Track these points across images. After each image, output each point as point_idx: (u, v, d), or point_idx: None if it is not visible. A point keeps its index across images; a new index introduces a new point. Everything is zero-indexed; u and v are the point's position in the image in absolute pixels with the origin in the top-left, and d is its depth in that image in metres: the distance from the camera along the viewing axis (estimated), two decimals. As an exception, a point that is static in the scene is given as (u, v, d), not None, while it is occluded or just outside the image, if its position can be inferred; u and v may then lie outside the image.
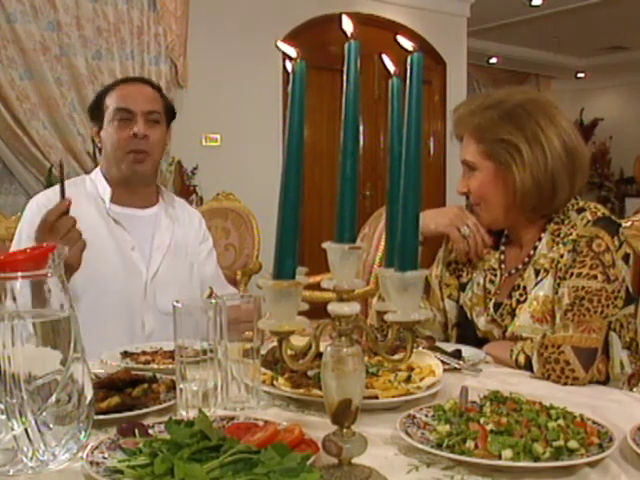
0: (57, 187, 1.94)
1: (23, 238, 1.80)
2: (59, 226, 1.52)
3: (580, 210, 1.48)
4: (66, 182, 1.97)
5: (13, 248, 1.82)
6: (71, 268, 1.56)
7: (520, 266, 1.54)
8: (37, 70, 4.32)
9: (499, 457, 0.88)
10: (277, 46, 0.79)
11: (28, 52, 4.29)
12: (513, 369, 1.40)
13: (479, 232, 1.57)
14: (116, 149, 1.84)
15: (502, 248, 1.61)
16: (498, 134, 1.48)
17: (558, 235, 1.48)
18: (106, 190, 1.88)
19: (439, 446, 0.92)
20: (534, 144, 1.46)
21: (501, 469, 0.88)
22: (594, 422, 0.99)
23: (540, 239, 1.52)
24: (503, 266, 1.59)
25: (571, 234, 1.45)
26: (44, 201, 1.83)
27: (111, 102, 1.86)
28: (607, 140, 10.56)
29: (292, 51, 0.78)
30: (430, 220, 1.59)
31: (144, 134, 1.82)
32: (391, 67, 0.87)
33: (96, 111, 1.90)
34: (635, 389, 1.43)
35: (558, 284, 1.44)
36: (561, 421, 0.94)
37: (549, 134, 1.47)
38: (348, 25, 0.78)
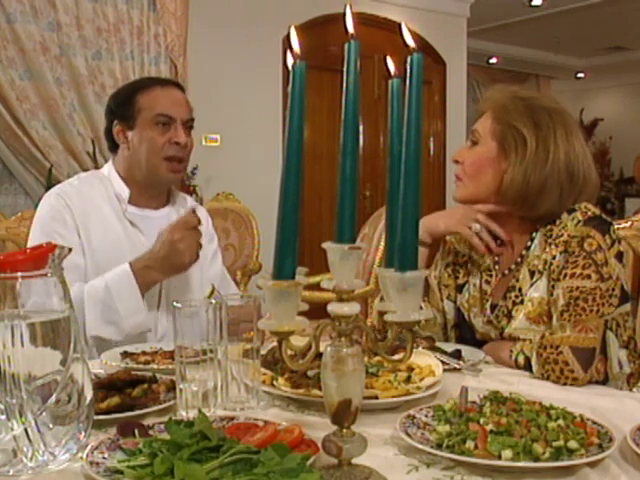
0: (72, 180, 1.94)
1: (49, 231, 1.76)
2: (193, 234, 1.71)
3: (571, 211, 1.48)
4: (81, 177, 1.97)
5: (31, 243, 1.78)
6: (179, 270, 1.75)
7: (513, 266, 1.54)
8: (37, 70, 4.32)
9: (499, 457, 0.88)
10: (288, 34, 0.78)
11: (28, 52, 4.28)
12: (513, 369, 1.40)
13: (489, 226, 1.56)
14: (154, 154, 1.82)
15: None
16: (515, 120, 1.49)
17: (550, 236, 1.48)
18: (124, 191, 1.86)
19: (439, 446, 0.92)
20: (541, 147, 1.46)
21: (501, 469, 0.89)
22: (594, 422, 0.99)
23: (532, 239, 1.52)
24: (497, 267, 1.59)
25: (562, 235, 1.45)
26: (61, 194, 1.83)
27: (150, 105, 1.82)
28: (607, 140, 10.56)
29: (297, 45, 0.77)
30: (439, 221, 1.60)
31: (186, 142, 1.83)
32: (392, 68, 0.87)
33: (126, 109, 1.84)
34: (635, 389, 1.43)
35: (553, 286, 1.44)
36: (561, 421, 0.94)
37: (559, 145, 1.47)
38: (349, 21, 0.78)
